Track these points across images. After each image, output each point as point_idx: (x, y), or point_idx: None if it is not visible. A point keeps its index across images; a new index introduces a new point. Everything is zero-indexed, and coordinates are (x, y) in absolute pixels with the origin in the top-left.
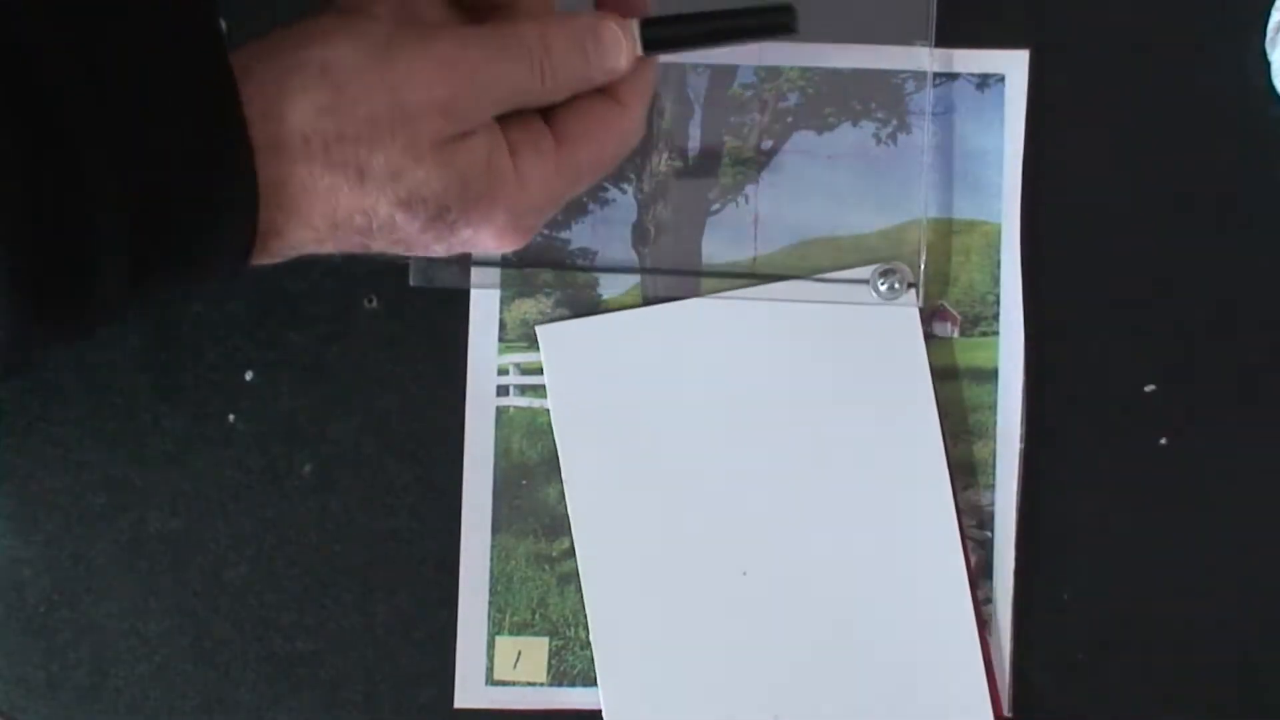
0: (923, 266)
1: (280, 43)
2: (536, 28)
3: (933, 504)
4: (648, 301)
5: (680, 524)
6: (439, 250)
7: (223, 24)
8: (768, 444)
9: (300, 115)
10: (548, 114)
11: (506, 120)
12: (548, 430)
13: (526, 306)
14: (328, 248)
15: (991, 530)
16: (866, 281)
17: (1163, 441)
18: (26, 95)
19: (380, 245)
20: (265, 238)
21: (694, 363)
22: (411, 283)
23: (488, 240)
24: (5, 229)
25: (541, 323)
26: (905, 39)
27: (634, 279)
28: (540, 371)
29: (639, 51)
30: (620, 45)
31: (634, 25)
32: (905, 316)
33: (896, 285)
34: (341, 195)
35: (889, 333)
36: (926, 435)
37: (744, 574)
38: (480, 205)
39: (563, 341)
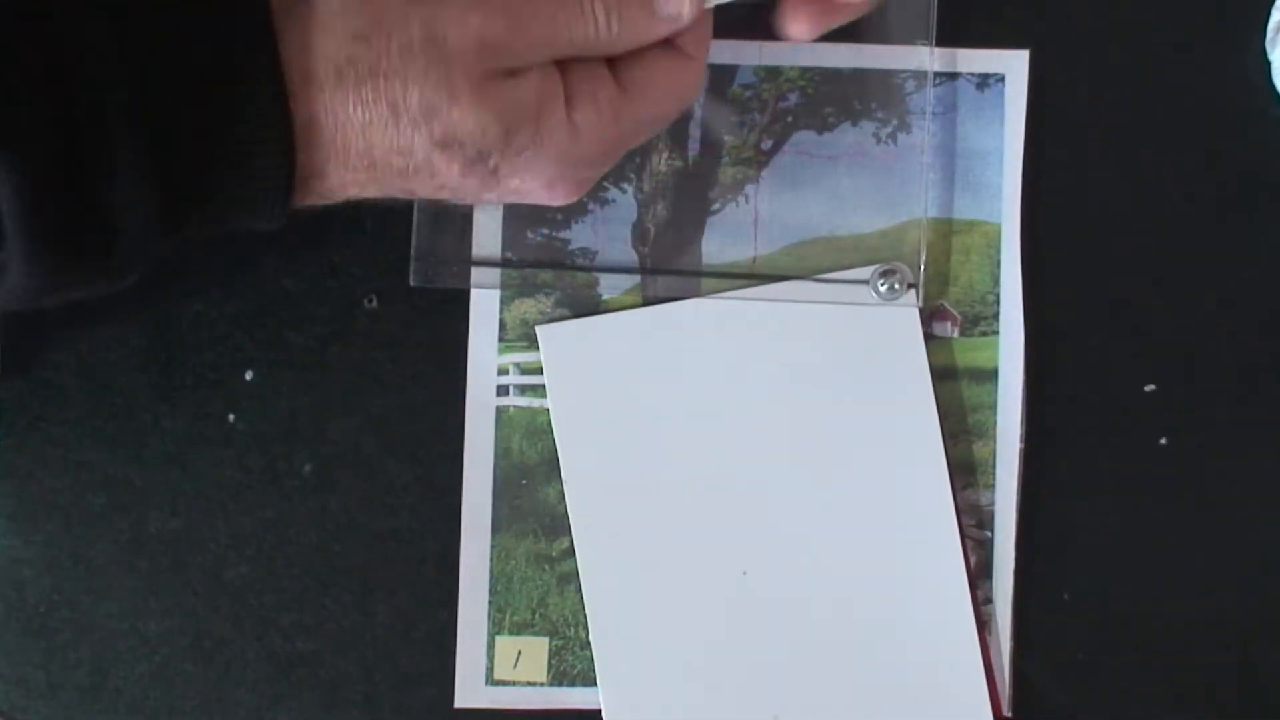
0: (923, 267)
1: None
2: None
3: (932, 504)
4: (648, 302)
5: (680, 524)
6: (490, 198)
7: None
8: (767, 444)
9: (334, 44)
10: (611, 61)
11: (567, 65)
12: (548, 430)
13: (526, 306)
14: (372, 191)
15: (991, 530)
16: (866, 282)
17: (1163, 441)
18: (41, 22)
19: (426, 190)
20: (306, 179)
21: (694, 363)
22: (412, 282)
23: (538, 191)
24: (22, 163)
25: (541, 322)
26: (906, 38)
27: (634, 279)
28: (540, 371)
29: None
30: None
31: None
32: (905, 317)
33: (896, 286)
34: (376, 133)
35: (889, 333)
36: (926, 435)
37: (744, 574)
38: (525, 153)
39: (563, 341)
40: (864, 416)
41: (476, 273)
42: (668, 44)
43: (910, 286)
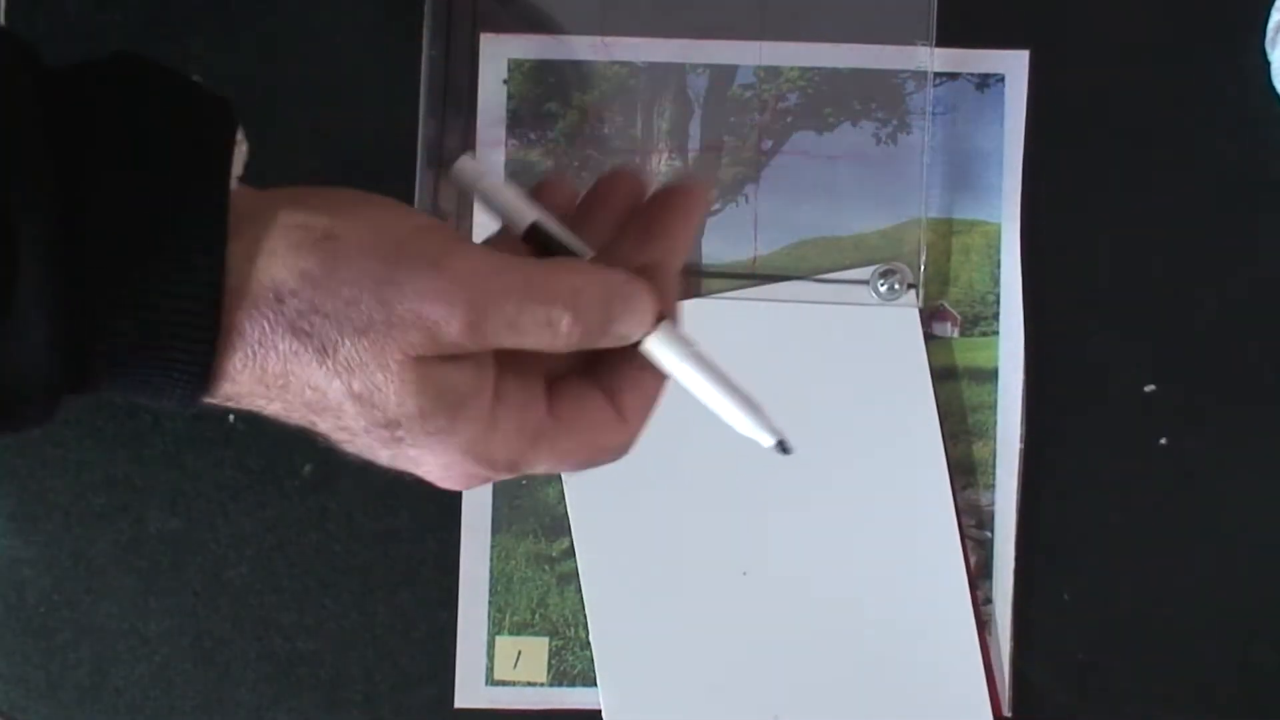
0: (922, 267)
1: (302, 196)
2: (572, 278)
3: (933, 504)
4: None
5: (680, 525)
6: (383, 457)
7: (244, 146)
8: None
9: (282, 272)
10: (550, 387)
11: (505, 363)
12: None
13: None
14: (276, 409)
15: (991, 530)
16: (866, 282)
17: (1163, 441)
18: None
19: (327, 427)
20: (218, 379)
21: None
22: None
23: (433, 469)
24: None
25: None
26: (905, 39)
27: None
28: None
29: (654, 346)
30: (645, 318)
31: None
32: (905, 317)
33: (896, 286)
34: (298, 364)
35: (889, 333)
36: (926, 435)
37: (744, 574)
38: (435, 437)
39: None
40: (864, 416)
41: None
42: (609, 401)
43: (910, 286)
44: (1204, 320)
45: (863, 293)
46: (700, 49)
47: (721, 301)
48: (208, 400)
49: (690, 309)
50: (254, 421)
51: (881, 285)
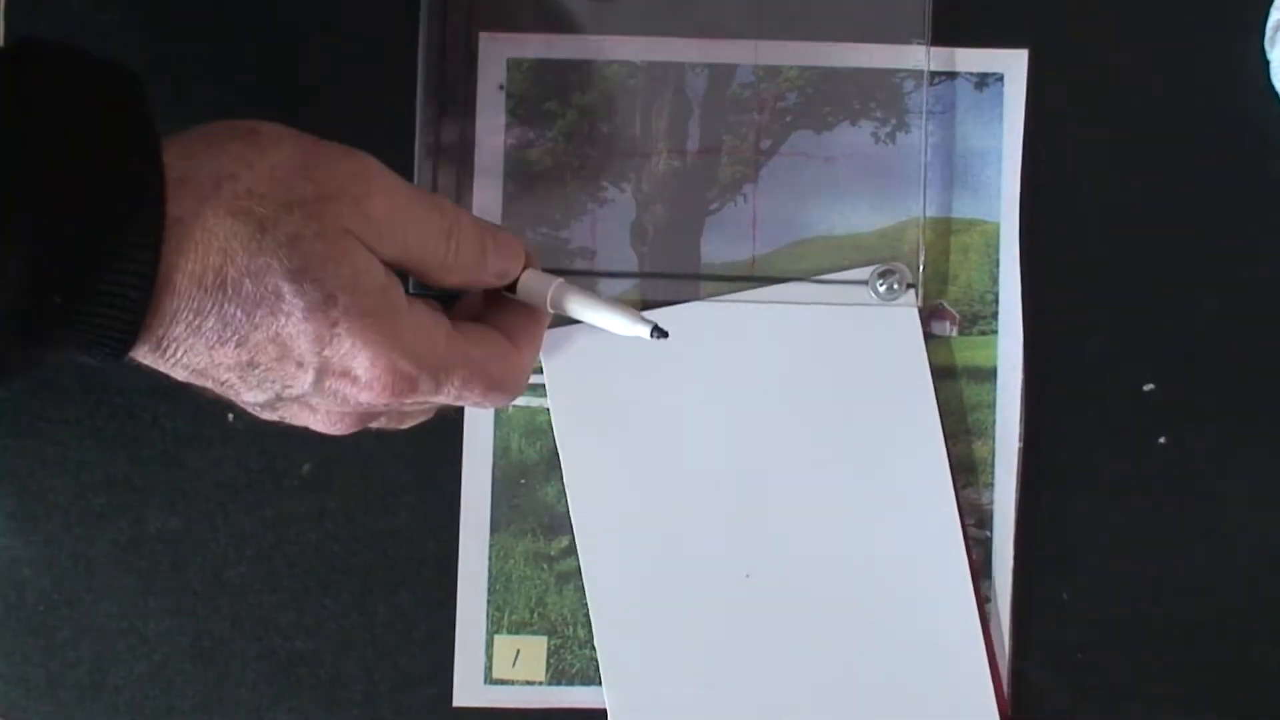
0: (921, 267)
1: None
2: (455, 206)
3: (934, 505)
4: (646, 305)
5: (683, 526)
6: (302, 381)
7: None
8: (769, 446)
9: (217, 161)
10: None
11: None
12: (547, 430)
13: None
14: (208, 325)
15: (991, 530)
16: (865, 282)
17: (1162, 441)
18: None
19: (260, 335)
20: (160, 292)
21: (694, 366)
22: (410, 290)
23: (361, 363)
24: None
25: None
26: (902, 38)
27: (634, 280)
28: (539, 371)
29: (545, 303)
30: (517, 256)
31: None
32: (905, 317)
33: (895, 286)
34: (237, 247)
35: (889, 333)
36: (927, 436)
37: (747, 576)
38: (369, 315)
39: (562, 346)
40: (865, 417)
41: None
42: (502, 330)
43: (909, 286)
44: (1204, 320)
45: (862, 293)
46: (699, 49)
47: (721, 304)
48: (155, 333)
49: (690, 312)
50: (253, 421)
51: (880, 285)
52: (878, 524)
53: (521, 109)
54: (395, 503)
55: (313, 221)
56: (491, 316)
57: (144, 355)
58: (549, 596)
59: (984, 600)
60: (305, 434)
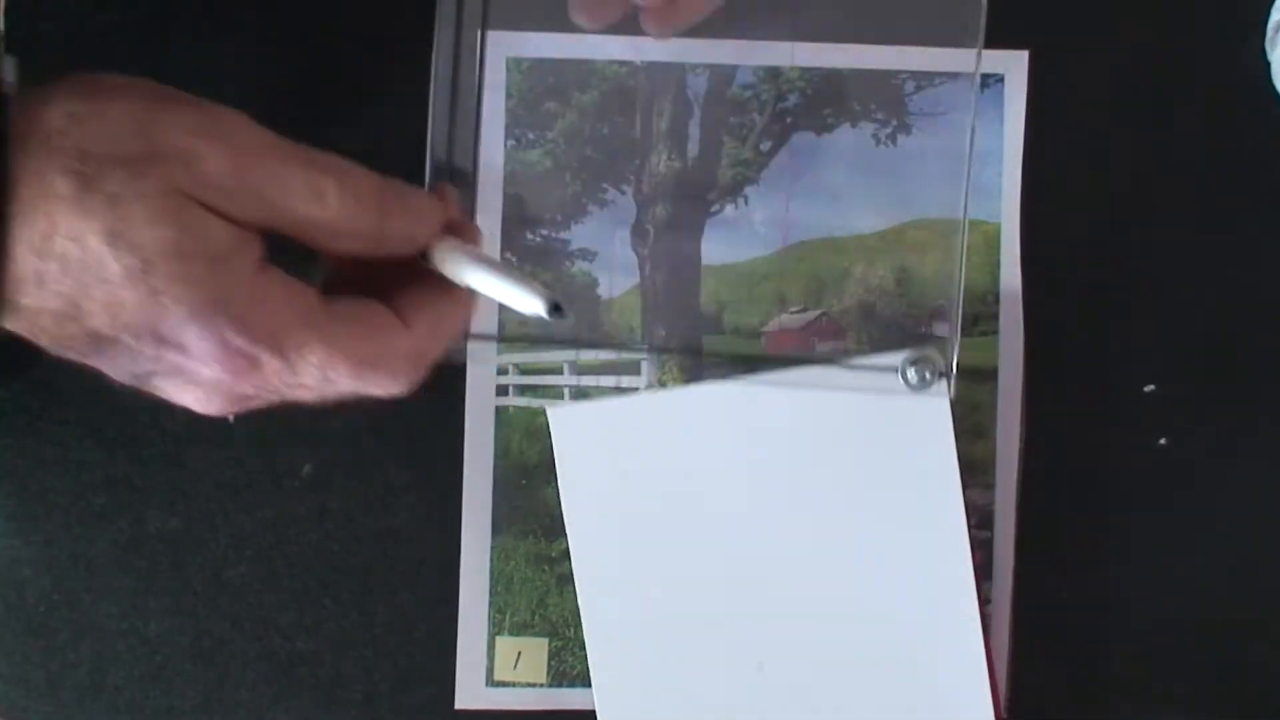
0: (955, 352)
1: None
2: (348, 162)
3: (955, 602)
4: (663, 379)
5: (694, 616)
6: (145, 354)
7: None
8: (787, 532)
9: (51, 115)
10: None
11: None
12: (547, 431)
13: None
14: (47, 295)
15: (991, 530)
16: (896, 369)
17: (1163, 441)
18: None
19: (93, 305)
20: (4, 244)
21: (710, 447)
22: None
23: (191, 336)
24: None
25: (551, 401)
26: (903, 38)
27: (634, 279)
28: (540, 372)
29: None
30: (426, 220)
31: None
32: (935, 407)
33: (927, 375)
34: (63, 209)
35: (918, 423)
36: (952, 531)
37: (760, 668)
38: (194, 284)
39: (573, 424)
40: (888, 507)
41: (472, 348)
42: (395, 309)
43: (941, 375)
44: (1204, 320)
45: (891, 381)
46: (700, 49)
47: (748, 386)
48: (12, 302)
49: (708, 392)
50: (253, 421)
51: (911, 374)
52: (896, 619)
53: (521, 109)
54: (396, 503)
55: (136, 181)
56: (394, 290)
57: (13, 329)
58: (550, 598)
59: (985, 601)
60: (306, 434)
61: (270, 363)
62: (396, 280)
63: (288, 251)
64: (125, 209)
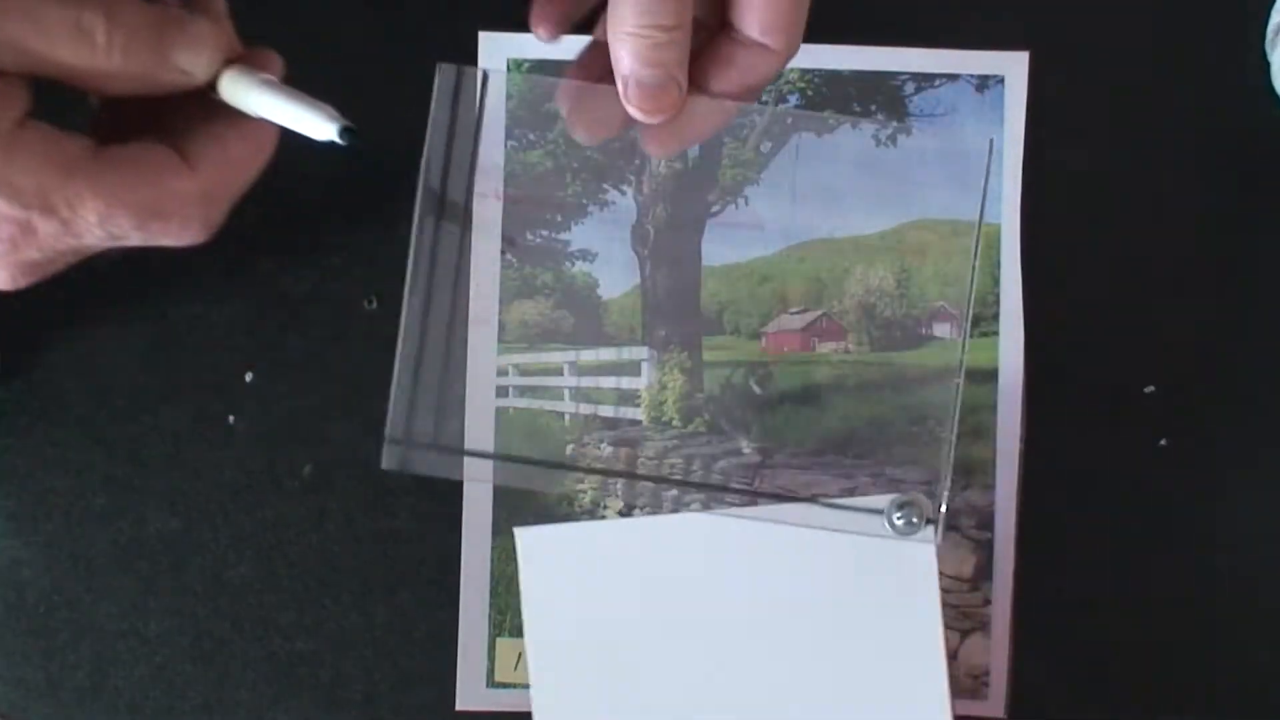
0: (944, 503)
1: None
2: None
3: None
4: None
5: None
6: None
7: None
8: (759, 669)
9: None
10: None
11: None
12: (548, 431)
13: (526, 308)
14: None
15: (991, 530)
16: (881, 512)
17: (1163, 442)
18: None
19: None
20: None
21: (684, 578)
22: (384, 465)
23: None
24: None
25: (521, 523)
26: (904, 39)
27: (634, 280)
28: (541, 373)
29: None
30: (207, 51)
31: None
32: (920, 554)
33: (915, 519)
34: None
35: (901, 567)
36: (929, 680)
37: None
38: None
39: (543, 548)
40: (864, 651)
41: (468, 464)
42: (175, 147)
43: (928, 522)
44: (1204, 320)
45: (876, 524)
46: None
47: (726, 519)
48: None
49: (683, 521)
50: (254, 422)
51: (898, 517)
52: None
53: (522, 109)
54: (396, 504)
55: None
56: (174, 129)
57: None
58: None
59: (985, 601)
60: (306, 435)
61: (43, 224)
62: (176, 117)
63: (51, 94)
64: None
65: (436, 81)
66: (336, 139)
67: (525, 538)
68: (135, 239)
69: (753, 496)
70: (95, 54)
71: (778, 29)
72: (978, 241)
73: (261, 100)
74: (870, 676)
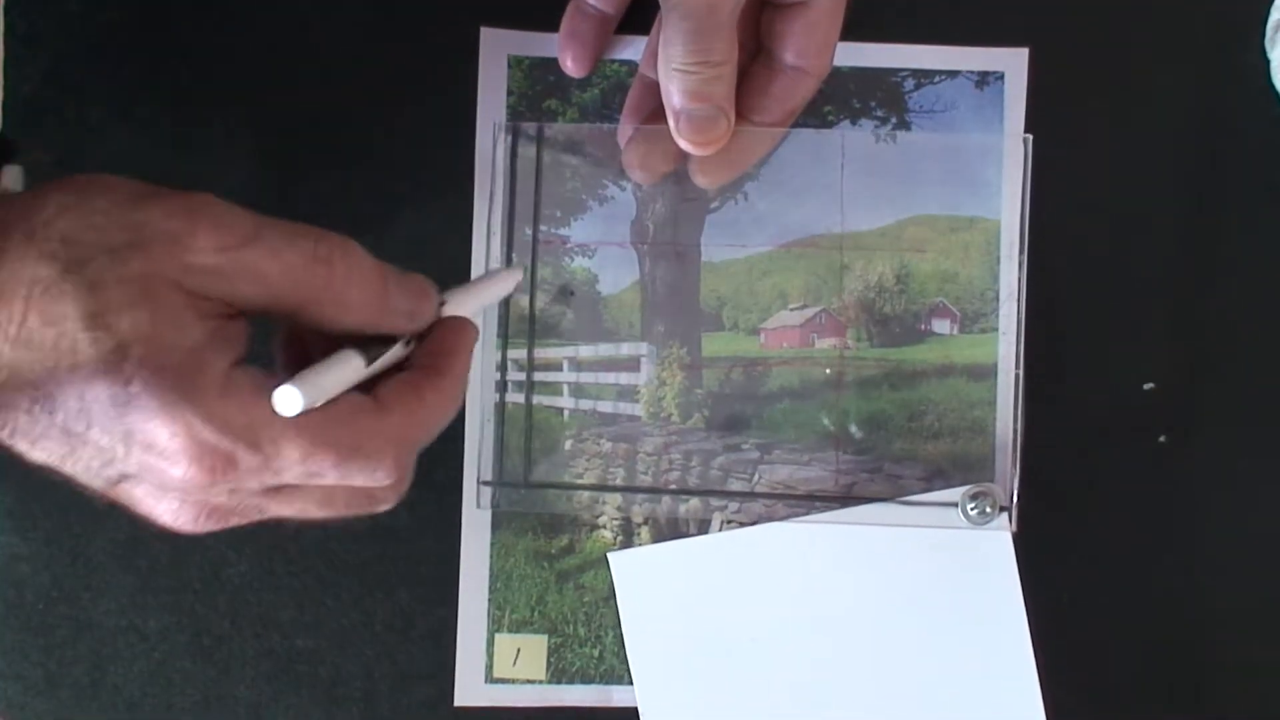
0: (1015, 487)
1: None
2: (339, 236)
3: None
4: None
5: None
6: (116, 456)
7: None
8: (852, 669)
9: (38, 207)
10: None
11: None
12: (547, 427)
13: (526, 302)
14: (20, 387)
15: None
16: (956, 504)
17: (1162, 439)
18: None
19: (66, 397)
20: None
21: (771, 586)
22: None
23: (161, 431)
24: None
25: (615, 550)
26: (904, 37)
27: (633, 276)
28: (543, 368)
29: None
30: (428, 297)
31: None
32: (997, 541)
33: (988, 509)
34: (38, 292)
35: (979, 556)
36: (1019, 664)
37: None
38: (167, 371)
39: (633, 568)
40: (952, 641)
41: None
42: (416, 378)
43: (1002, 509)
44: (1204, 320)
45: (952, 516)
46: None
47: (805, 525)
48: None
49: (773, 533)
50: None
51: (971, 508)
52: None
53: (522, 106)
54: None
55: (118, 266)
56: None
57: None
58: (550, 595)
59: None
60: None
61: (246, 459)
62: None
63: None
64: (105, 293)
65: (501, 138)
66: (520, 278)
67: (617, 561)
68: (331, 478)
69: (833, 501)
70: (330, 283)
71: (813, 53)
72: (1023, 236)
73: (472, 303)
74: (962, 665)
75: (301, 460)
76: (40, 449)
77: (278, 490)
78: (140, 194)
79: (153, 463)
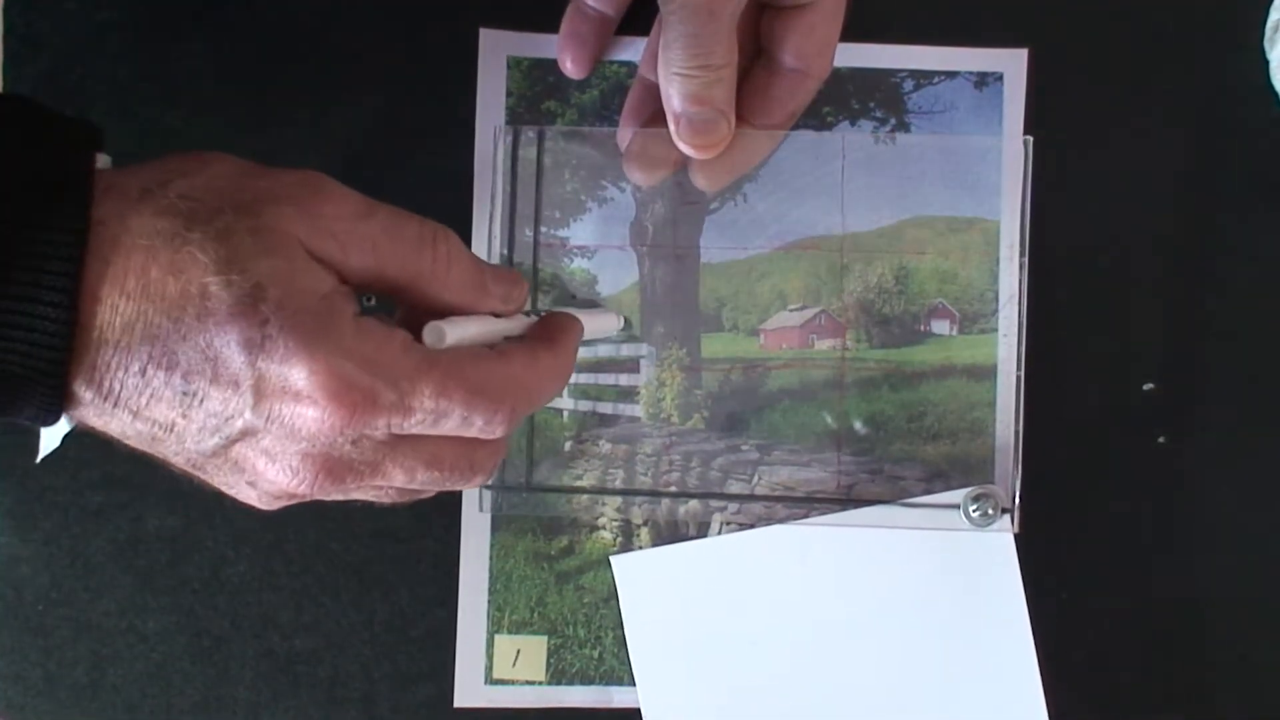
0: (1017, 488)
1: None
2: (440, 225)
3: None
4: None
5: None
6: (242, 406)
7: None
8: (854, 671)
9: (151, 173)
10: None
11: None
12: (547, 428)
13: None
14: (136, 342)
15: None
16: (957, 506)
17: (1161, 439)
18: None
19: (189, 348)
20: (86, 304)
21: (773, 588)
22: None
23: (300, 371)
24: None
25: (615, 552)
26: (904, 37)
27: (633, 277)
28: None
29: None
30: (520, 284)
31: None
32: (999, 543)
33: (990, 511)
34: (160, 244)
35: (981, 558)
36: (1021, 665)
37: None
38: (304, 312)
39: (637, 570)
40: (954, 643)
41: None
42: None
43: (1004, 512)
44: (1204, 320)
45: (953, 518)
46: None
47: (807, 528)
48: (87, 359)
49: (775, 536)
50: None
51: (973, 510)
52: None
53: (521, 107)
54: None
55: (247, 218)
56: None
57: (85, 396)
58: (549, 596)
59: None
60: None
61: (385, 394)
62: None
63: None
64: (237, 240)
65: (501, 141)
66: (621, 326)
67: (619, 564)
68: (454, 419)
69: (835, 504)
70: (434, 263)
71: (813, 55)
72: (1024, 239)
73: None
74: (965, 667)
75: (433, 396)
76: (144, 417)
77: (398, 441)
78: (253, 167)
79: (285, 409)
